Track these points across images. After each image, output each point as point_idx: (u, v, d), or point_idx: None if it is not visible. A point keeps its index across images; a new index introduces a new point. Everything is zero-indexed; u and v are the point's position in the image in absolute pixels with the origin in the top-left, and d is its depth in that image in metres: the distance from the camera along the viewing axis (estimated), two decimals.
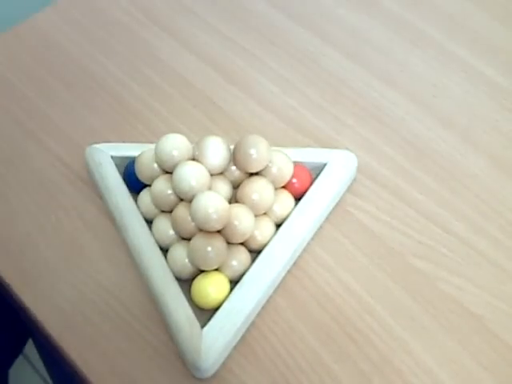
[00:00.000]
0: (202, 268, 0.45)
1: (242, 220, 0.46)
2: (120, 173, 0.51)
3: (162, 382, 0.44)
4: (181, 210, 0.46)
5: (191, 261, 0.45)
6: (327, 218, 0.50)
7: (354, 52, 0.61)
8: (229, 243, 0.46)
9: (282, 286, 0.47)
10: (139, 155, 0.49)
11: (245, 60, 0.61)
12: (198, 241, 0.45)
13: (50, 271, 0.49)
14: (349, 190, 0.52)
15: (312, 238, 0.50)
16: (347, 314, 0.46)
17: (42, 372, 1.18)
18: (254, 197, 0.47)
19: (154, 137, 0.54)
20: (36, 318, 0.46)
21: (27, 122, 0.57)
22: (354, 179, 0.52)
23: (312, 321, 0.46)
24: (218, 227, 0.45)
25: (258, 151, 0.47)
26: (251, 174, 0.48)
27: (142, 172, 0.49)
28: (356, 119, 0.56)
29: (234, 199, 0.48)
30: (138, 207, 0.49)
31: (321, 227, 0.50)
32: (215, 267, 0.45)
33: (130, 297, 0.47)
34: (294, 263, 0.49)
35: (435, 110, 0.57)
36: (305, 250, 0.49)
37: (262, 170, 0.48)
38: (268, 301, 0.47)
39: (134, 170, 0.50)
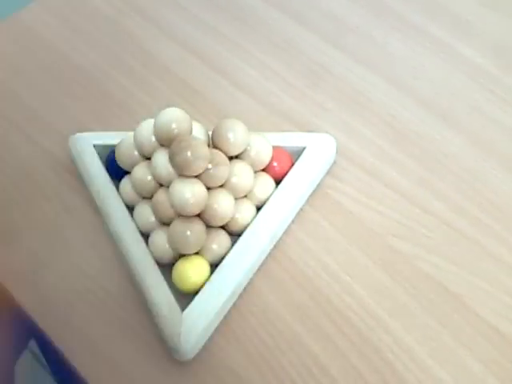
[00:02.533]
0: (182, 252, 0.46)
1: (222, 203, 0.46)
2: (102, 161, 0.52)
3: (144, 365, 0.44)
4: (160, 196, 0.47)
5: (171, 245, 0.46)
6: (307, 201, 0.51)
7: (334, 36, 0.62)
8: (209, 226, 0.47)
9: (262, 269, 0.48)
10: (119, 142, 0.50)
11: (225, 46, 0.62)
12: (177, 225, 0.46)
13: (35, 259, 0.49)
14: (328, 172, 0.52)
15: (292, 221, 0.50)
16: (327, 295, 0.47)
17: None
18: (234, 180, 0.48)
19: (136, 125, 0.55)
20: (21, 304, 0.47)
21: (11, 113, 0.58)
22: (334, 162, 0.53)
23: (292, 302, 0.47)
24: (196, 211, 0.45)
25: (236, 135, 0.48)
26: (230, 158, 0.48)
27: (123, 159, 0.49)
28: (336, 103, 0.57)
29: None
30: (120, 194, 0.50)
31: (301, 209, 0.51)
32: (195, 251, 0.46)
33: (112, 283, 0.48)
34: (275, 245, 0.49)
35: (415, 92, 0.57)
36: (285, 232, 0.50)
37: (241, 154, 0.49)
38: (249, 283, 0.47)
39: (115, 157, 0.50)
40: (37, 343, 0.67)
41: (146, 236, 0.48)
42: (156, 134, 0.46)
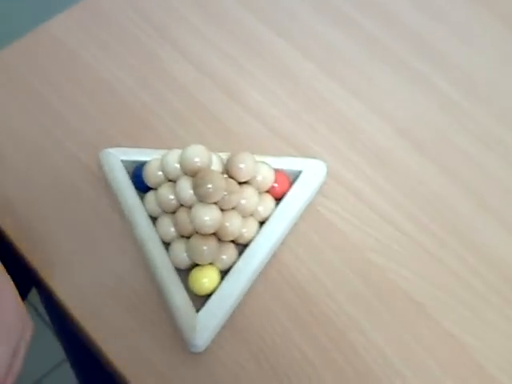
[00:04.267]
0: (198, 262, 0.56)
1: (232, 223, 0.56)
2: (129, 174, 0.61)
3: (163, 356, 0.54)
4: (182, 214, 0.56)
5: (189, 256, 0.56)
6: (301, 217, 0.61)
7: (330, 67, 0.71)
8: (220, 240, 0.57)
9: (263, 275, 0.58)
10: (147, 163, 0.59)
11: (238, 74, 0.70)
12: (195, 241, 0.56)
13: (69, 259, 0.59)
14: (320, 192, 0.62)
15: (289, 234, 0.60)
16: (313, 298, 0.57)
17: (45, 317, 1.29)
18: (243, 202, 0.57)
19: (160, 143, 0.64)
20: (58, 297, 0.57)
21: (46, 123, 0.66)
22: (325, 183, 0.62)
23: (286, 304, 0.57)
24: (212, 231, 0.55)
25: (246, 166, 0.57)
26: (240, 183, 0.58)
27: (149, 178, 0.59)
28: (328, 129, 0.66)
29: None
30: (144, 206, 0.59)
31: (296, 224, 0.60)
32: (209, 262, 0.56)
33: (137, 282, 0.57)
34: (274, 255, 0.59)
35: (395, 122, 0.67)
36: (283, 243, 0.60)
37: (250, 180, 0.58)
38: (251, 287, 0.57)
39: (140, 173, 0.59)
40: (39, 294, 0.76)
41: (166, 244, 0.58)
42: (181, 164, 0.56)
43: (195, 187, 0.54)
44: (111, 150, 0.62)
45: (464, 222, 0.61)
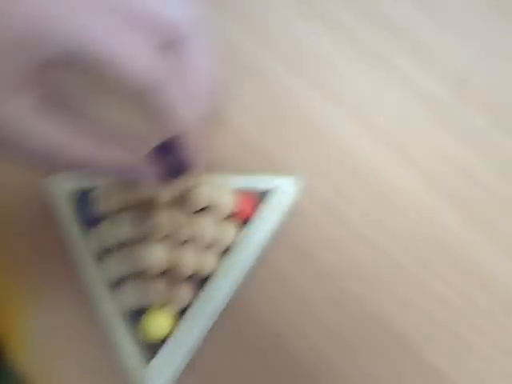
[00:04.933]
0: (148, 307, 0.50)
1: (185, 260, 0.50)
2: (73, 206, 0.54)
3: None
4: (129, 253, 0.50)
5: (138, 300, 0.50)
6: (270, 242, 0.54)
7: (302, 67, 0.63)
8: (174, 279, 0.50)
9: (225, 314, 0.52)
10: (93, 193, 0.53)
11: None
12: (142, 282, 0.49)
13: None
14: (292, 214, 0.55)
15: (255, 264, 0.53)
16: (282, 338, 0.51)
17: None
18: (197, 234, 0.51)
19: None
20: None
21: None
22: (299, 202, 0.55)
23: (251, 346, 0.51)
24: (160, 271, 0.49)
25: (201, 193, 0.50)
26: (196, 211, 0.51)
27: (100, 207, 0.52)
28: (302, 139, 0.59)
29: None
30: (90, 242, 0.53)
31: (264, 252, 0.54)
32: (159, 305, 0.50)
33: (81, 331, 0.52)
34: (237, 290, 0.53)
35: (374, 128, 0.59)
36: (248, 275, 0.53)
37: (206, 206, 0.52)
38: (211, 329, 0.51)
39: (86, 203, 0.53)
40: None
41: (113, 285, 0.52)
42: (123, 196, 0.49)
43: (137, 222, 0.47)
44: (54, 179, 0.56)
45: (452, 241, 0.54)
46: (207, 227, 0.51)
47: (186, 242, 0.50)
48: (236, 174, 0.55)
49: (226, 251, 0.53)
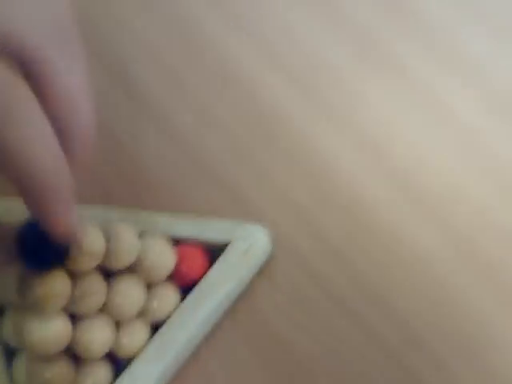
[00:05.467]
0: None
1: (95, 335, 0.36)
2: None
3: None
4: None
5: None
6: (224, 315, 0.40)
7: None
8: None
9: None
10: None
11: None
12: (33, 365, 0.36)
13: None
14: (258, 273, 0.41)
15: (201, 343, 0.39)
16: None
17: None
18: (117, 301, 0.37)
19: None
20: None
21: None
22: (268, 258, 0.41)
23: None
24: (57, 350, 0.35)
25: (121, 244, 0.36)
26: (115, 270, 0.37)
27: None
28: (284, 168, 0.44)
29: None
30: None
31: (215, 327, 0.40)
32: None
33: None
34: (175, 376, 0.38)
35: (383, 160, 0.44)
36: (190, 357, 0.39)
37: (132, 264, 0.37)
38: None
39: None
40: None
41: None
42: None
43: (18, 290, 0.34)
44: None
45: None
46: (132, 289, 0.37)
47: (101, 311, 0.36)
48: (181, 215, 0.41)
49: (161, 325, 0.38)
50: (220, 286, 0.39)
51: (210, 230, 0.41)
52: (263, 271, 0.41)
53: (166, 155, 0.45)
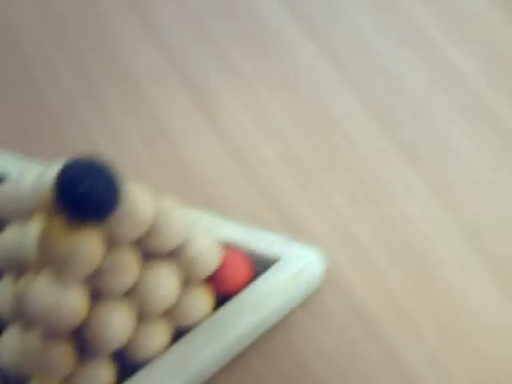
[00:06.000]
0: (34, 379, 0.30)
1: (112, 322, 0.30)
2: None
3: None
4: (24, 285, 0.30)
5: (20, 364, 0.30)
6: (256, 340, 0.34)
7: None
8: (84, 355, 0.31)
9: None
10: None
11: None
12: (32, 340, 0.29)
13: None
14: (302, 303, 0.35)
15: (225, 363, 0.33)
16: None
17: None
18: (144, 290, 0.31)
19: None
20: None
21: None
22: (316, 290, 0.35)
23: None
24: (66, 328, 0.29)
25: (167, 226, 0.31)
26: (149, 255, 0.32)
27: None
28: (345, 201, 0.39)
29: None
30: None
31: (242, 351, 0.34)
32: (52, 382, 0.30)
33: None
34: None
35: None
36: (210, 379, 0.33)
37: (173, 253, 0.32)
38: None
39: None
40: None
41: None
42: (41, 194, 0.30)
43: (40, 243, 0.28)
44: None
45: None
46: (163, 283, 0.31)
47: (126, 296, 0.30)
48: (231, 219, 0.36)
49: (185, 331, 0.32)
50: (262, 304, 0.34)
51: (260, 241, 0.35)
52: (305, 301, 0.35)
53: (222, 164, 0.40)
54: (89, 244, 0.28)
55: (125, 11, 0.45)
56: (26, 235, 0.30)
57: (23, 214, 0.31)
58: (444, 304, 0.36)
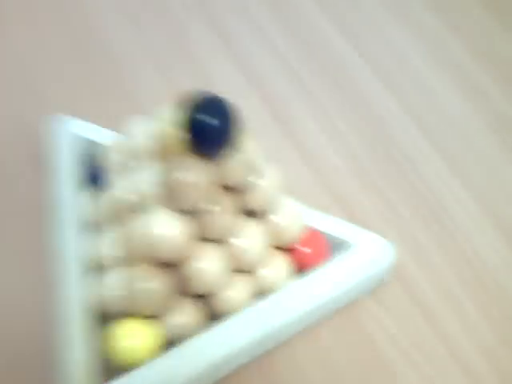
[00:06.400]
0: (131, 309, 0.32)
1: (209, 262, 0.32)
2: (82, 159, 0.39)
3: None
4: (131, 224, 0.33)
5: (124, 291, 0.32)
6: (325, 315, 0.37)
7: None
8: (179, 292, 0.33)
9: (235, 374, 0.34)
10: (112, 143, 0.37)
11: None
12: (135, 271, 0.32)
13: None
14: (371, 290, 0.38)
15: (298, 331, 0.36)
16: None
17: None
18: (237, 243, 0.33)
19: None
20: None
21: None
22: (383, 280, 0.38)
23: None
24: (167, 257, 0.31)
25: (267, 182, 0.34)
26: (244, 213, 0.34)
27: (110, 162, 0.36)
28: (411, 211, 0.42)
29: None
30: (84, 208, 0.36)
31: (312, 324, 0.36)
32: (151, 310, 0.32)
33: (20, 313, 0.34)
34: (260, 357, 0.35)
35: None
36: (282, 345, 0.35)
37: (261, 214, 0.34)
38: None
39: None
40: None
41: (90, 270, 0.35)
42: (156, 139, 0.33)
43: (160, 173, 0.31)
44: (61, 117, 0.41)
45: None
46: (256, 238, 0.34)
47: (217, 242, 0.33)
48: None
49: (263, 295, 0.35)
50: (333, 282, 0.36)
51: (337, 227, 0.38)
52: (374, 288, 0.38)
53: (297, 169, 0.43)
54: (205, 175, 0.31)
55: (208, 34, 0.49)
56: (141, 178, 0.33)
57: (138, 160, 0.34)
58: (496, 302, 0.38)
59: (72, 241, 0.35)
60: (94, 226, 0.36)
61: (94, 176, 0.37)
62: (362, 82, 0.48)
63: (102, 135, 0.39)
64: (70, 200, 0.36)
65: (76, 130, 0.40)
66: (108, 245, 0.34)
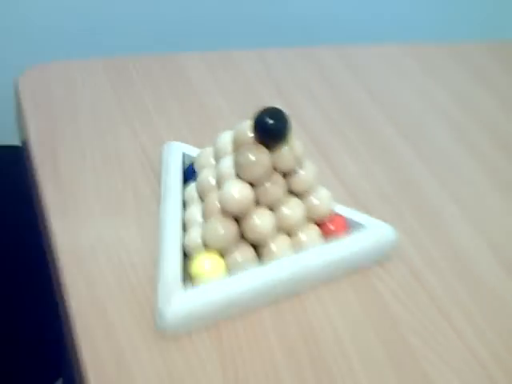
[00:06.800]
0: (209, 245, 0.48)
1: (263, 221, 0.48)
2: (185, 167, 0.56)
3: (133, 333, 0.45)
4: (212, 194, 0.49)
5: (202, 236, 0.48)
6: (346, 275, 0.52)
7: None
8: (243, 238, 0.48)
9: (274, 306, 0.49)
10: (201, 151, 0.54)
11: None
12: (214, 220, 0.48)
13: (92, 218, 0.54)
14: (378, 261, 0.53)
15: (325, 284, 0.51)
16: (324, 359, 0.46)
17: None
18: (285, 211, 0.49)
19: None
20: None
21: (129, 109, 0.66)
22: (386, 255, 0.53)
23: (286, 348, 0.46)
24: (237, 211, 0.47)
25: (307, 174, 0.50)
26: (291, 193, 0.50)
27: (199, 163, 0.53)
28: (411, 214, 0.58)
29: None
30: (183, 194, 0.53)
31: (336, 279, 0.51)
32: (219, 248, 0.48)
33: (139, 256, 0.51)
34: (297, 296, 0.50)
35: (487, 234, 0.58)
36: (313, 289, 0.50)
37: (303, 195, 0.50)
38: (253, 309, 0.48)
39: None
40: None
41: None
42: (233, 139, 0.50)
43: (234, 155, 0.48)
44: (176, 142, 0.59)
45: None
46: (298, 210, 0.49)
47: (271, 208, 0.49)
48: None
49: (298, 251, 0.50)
50: (353, 250, 0.52)
51: (354, 214, 0.54)
52: (380, 260, 0.53)
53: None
54: (266, 158, 0.47)
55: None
56: (223, 165, 0.49)
57: (218, 158, 0.51)
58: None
59: (173, 211, 0.51)
60: (186, 203, 0.52)
61: (189, 173, 0.54)
62: None
63: (194, 151, 0.57)
64: (176, 188, 0.53)
65: (180, 149, 0.58)
66: (192, 213, 0.50)
